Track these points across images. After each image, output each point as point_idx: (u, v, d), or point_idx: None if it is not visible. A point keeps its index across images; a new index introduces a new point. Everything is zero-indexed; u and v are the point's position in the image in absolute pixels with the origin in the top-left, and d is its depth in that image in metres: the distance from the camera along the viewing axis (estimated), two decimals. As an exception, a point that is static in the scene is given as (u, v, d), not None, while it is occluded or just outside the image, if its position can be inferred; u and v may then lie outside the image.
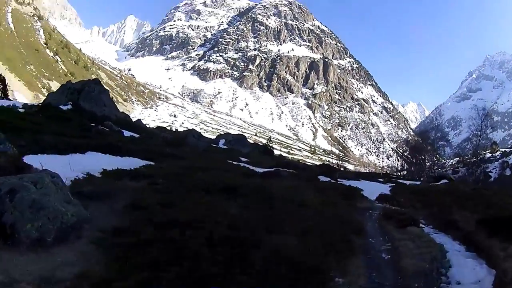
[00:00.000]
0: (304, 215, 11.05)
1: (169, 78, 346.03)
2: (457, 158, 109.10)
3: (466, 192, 22.12)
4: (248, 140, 59.93)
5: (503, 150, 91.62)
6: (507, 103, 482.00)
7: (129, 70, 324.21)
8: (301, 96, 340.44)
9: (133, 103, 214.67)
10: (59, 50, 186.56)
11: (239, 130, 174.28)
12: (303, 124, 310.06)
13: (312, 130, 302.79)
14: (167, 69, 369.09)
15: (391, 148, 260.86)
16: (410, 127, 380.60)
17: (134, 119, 50.16)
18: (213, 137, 62.40)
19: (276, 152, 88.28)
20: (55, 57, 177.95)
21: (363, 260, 8.91)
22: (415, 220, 13.65)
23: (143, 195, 9.74)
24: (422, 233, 12.05)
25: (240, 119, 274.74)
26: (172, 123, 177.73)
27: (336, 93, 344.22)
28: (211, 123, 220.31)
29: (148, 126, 61.17)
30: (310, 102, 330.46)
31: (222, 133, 75.56)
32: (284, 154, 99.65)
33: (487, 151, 67.82)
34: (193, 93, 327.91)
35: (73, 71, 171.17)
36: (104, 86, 40.16)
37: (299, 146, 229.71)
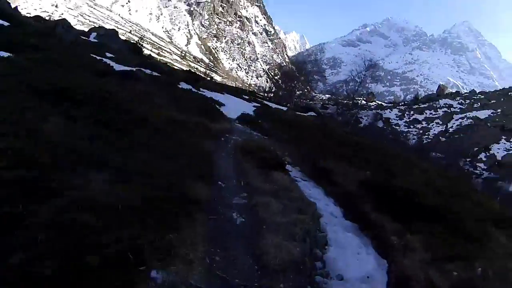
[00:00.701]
0: (137, 138, 8.82)
1: None
2: (329, 96, 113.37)
3: (339, 135, 21.35)
4: (121, 36, 58.08)
5: (380, 103, 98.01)
6: (395, 64, 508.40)
7: None
8: (184, 2, 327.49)
9: None
10: None
11: (115, 26, 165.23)
12: (179, 29, 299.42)
13: (187, 36, 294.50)
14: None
15: (263, 69, 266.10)
16: (287, 54, 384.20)
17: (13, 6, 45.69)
18: (87, 30, 59.31)
19: (146, 52, 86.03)
20: None
21: (203, 227, 6.20)
22: (281, 162, 12.11)
23: None
24: (290, 185, 10.13)
25: (119, 15, 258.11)
26: (52, 13, 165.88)
27: (221, 5, 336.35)
28: (89, 16, 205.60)
29: (27, 15, 56.04)
30: (192, 9, 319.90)
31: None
32: (154, 55, 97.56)
33: (362, 98, 70.04)
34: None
35: None
36: None
37: (170, 49, 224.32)
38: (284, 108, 40.36)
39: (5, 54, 15.15)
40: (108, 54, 29.95)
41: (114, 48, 39.48)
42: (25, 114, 7.17)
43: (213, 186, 8.65)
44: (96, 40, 44.51)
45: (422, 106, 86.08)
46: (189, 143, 10.76)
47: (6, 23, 26.34)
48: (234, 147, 13.61)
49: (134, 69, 23.37)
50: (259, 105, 33.32)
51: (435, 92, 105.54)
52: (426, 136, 71.55)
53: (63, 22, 35.81)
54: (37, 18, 49.63)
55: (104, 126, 8.51)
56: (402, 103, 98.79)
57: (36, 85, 9.34)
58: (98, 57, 25.02)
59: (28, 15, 59.51)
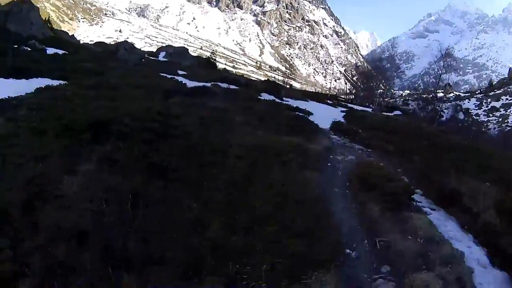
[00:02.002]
0: (210, 195, 6.50)
1: None
2: (408, 91, 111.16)
3: (439, 136, 19.20)
4: (192, 53, 57.84)
5: (457, 93, 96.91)
6: (465, 50, 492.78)
7: None
8: (250, 13, 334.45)
9: (79, 21, 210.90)
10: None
11: (184, 44, 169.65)
12: (250, 40, 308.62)
13: (259, 46, 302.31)
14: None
15: (339, 71, 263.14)
16: (360, 54, 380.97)
17: (78, 37, 46.59)
18: (155, 50, 58.91)
19: (221, 66, 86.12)
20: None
21: None
22: (411, 193, 9.39)
23: None
24: (434, 233, 7.72)
25: (187, 33, 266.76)
26: (117, 38, 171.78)
27: (287, 12, 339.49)
28: (157, 37, 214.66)
29: (84, 42, 56.97)
30: (259, 19, 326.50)
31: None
32: (229, 68, 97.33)
33: (440, 91, 68.49)
34: (140, 8, 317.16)
35: None
36: (50, 6, 36.42)
37: (244, 61, 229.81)
38: (369, 110, 37.97)
39: (56, 83, 13.96)
40: (180, 72, 29.45)
41: (185, 65, 38.64)
42: (45, 163, 5.49)
43: (339, 258, 6.20)
44: (165, 59, 43.96)
45: (498, 92, 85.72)
46: (288, 181, 8.20)
47: (61, 51, 25.95)
48: (347, 176, 10.67)
49: (209, 84, 21.83)
50: (345, 109, 30.88)
51: (506, 76, 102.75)
52: (506, 124, 71.27)
53: (125, 44, 34.19)
54: (99, 44, 49.18)
55: (158, 172, 6.24)
56: (478, 91, 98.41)
57: (69, 120, 7.33)
58: (168, 76, 24.35)
59: (91, 42, 59.96)
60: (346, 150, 14.33)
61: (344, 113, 26.21)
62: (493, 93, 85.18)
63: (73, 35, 51.16)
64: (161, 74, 24.63)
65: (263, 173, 8.42)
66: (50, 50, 24.94)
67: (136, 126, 7.35)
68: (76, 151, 6.39)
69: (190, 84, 20.72)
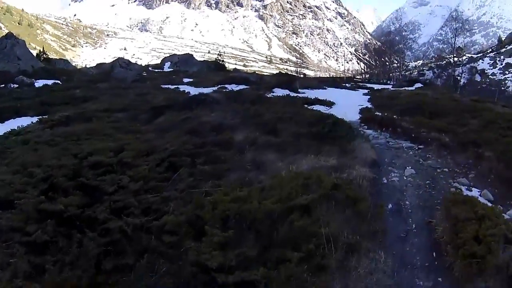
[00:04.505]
0: None
1: (115, 14, 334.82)
2: (421, 61, 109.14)
3: (481, 109, 16.16)
4: (200, 58, 57.16)
5: (470, 55, 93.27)
6: (468, 11, 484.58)
7: (75, 15, 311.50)
8: (251, 9, 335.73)
9: (82, 47, 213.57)
10: (1, 16, 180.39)
11: (191, 51, 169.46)
12: (256, 36, 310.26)
13: (266, 41, 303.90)
14: (113, 5, 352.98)
15: (350, 52, 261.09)
16: (367, 31, 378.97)
17: (83, 62, 45.91)
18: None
19: (231, 66, 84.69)
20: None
21: None
22: None
23: None
24: None
25: (192, 39, 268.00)
26: (123, 57, 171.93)
27: (287, 2, 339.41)
28: (163, 49, 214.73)
29: (84, 66, 55.96)
30: (261, 13, 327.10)
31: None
32: (239, 67, 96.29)
33: (452, 55, 67.23)
34: (141, 23, 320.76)
35: (18, 32, 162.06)
36: (51, 37, 35.30)
37: (254, 58, 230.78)
38: (389, 87, 35.82)
39: (35, 119, 12.17)
40: (185, 80, 28.36)
41: (192, 72, 37.90)
42: None
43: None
44: (171, 69, 43.11)
45: (509, 48, 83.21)
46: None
47: (51, 82, 24.47)
48: (434, 244, 6.12)
49: (211, 90, 19.82)
50: (366, 91, 28.52)
51: None
52: None
53: (120, 61, 32.41)
54: (98, 65, 47.95)
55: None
56: (490, 50, 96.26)
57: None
58: (172, 86, 23.14)
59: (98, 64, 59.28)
60: (396, 157, 10.23)
61: (368, 96, 24.00)
62: (504, 49, 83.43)
63: (67, 60, 50.15)
64: (163, 86, 23.19)
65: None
66: (40, 83, 23.65)
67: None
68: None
69: (195, 91, 18.80)
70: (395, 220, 6.68)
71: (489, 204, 6.89)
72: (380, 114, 15.77)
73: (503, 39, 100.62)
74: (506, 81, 70.88)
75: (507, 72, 74.21)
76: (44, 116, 11.85)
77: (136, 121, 11.24)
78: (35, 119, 11.75)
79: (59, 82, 24.48)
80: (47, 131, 9.76)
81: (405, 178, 8.67)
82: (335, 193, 6.25)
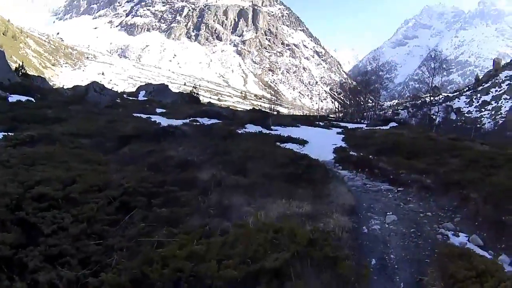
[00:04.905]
0: None
1: (97, 37, 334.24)
2: (396, 101, 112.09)
3: (459, 147, 15.81)
4: (175, 89, 57.43)
5: (446, 94, 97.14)
6: (446, 51, 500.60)
7: (58, 34, 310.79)
8: (230, 43, 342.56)
9: (62, 66, 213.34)
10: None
11: (167, 81, 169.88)
12: (232, 71, 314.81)
13: (242, 76, 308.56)
14: (95, 28, 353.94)
15: (325, 90, 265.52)
16: (343, 71, 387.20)
17: (62, 82, 45.25)
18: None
19: (205, 99, 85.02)
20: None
21: None
22: None
23: None
24: None
25: (169, 70, 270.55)
26: (100, 81, 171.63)
27: (266, 39, 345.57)
28: (140, 77, 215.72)
29: (59, 86, 55.61)
30: (239, 48, 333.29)
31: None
32: (214, 101, 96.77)
33: (427, 95, 68.90)
34: (121, 49, 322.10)
35: (1, 43, 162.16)
36: (32, 53, 34.43)
37: (229, 93, 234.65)
38: (363, 126, 36.52)
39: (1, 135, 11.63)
40: (158, 110, 28.66)
41: (166, 102, 37.85)
42: None
43: None
44: (145, 98, 42.87)
45: (486, 86, 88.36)
46: None
47: (25, 98, 23.57)
48: None
49: (181, 122, 19.55)
50: (340, 130, 29.13)
51: (492, 68, 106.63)
52: (500, 115, 74.00)
53: (95, 85, 31.92)
54: (75, 87, 47.36)
55: None
56: (466, 88, 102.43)
57: None
58: (144, 116, 22.69)
59: (78, 86, 58.88)
60: (374, 200, 9.61)
61: (342, 135, 24.24)
62: (481, 87, 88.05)
63: (45, 79, 49.46)
64: (136, 114, 22.85)
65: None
66: (14, 98, 22.94)
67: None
68: None
69: (166, 123, 18.36)
70: (380, 279, 5.84)
71: (489, 257, 6.48)
72: (355, 153, 15.60)
73: (480, 77, 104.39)
74: (482, 119, 73.53)
75: (483, 110, 77.30)
76: (11, 134, 11.54)
77: (100, 149, 10.85)
78: (0, 135, 11.50)
79: (33, 99, 24.03)
80: (9, 150, 9.34)
81: (386, 225, 8.01)
82: (311, 251, 5.22)
